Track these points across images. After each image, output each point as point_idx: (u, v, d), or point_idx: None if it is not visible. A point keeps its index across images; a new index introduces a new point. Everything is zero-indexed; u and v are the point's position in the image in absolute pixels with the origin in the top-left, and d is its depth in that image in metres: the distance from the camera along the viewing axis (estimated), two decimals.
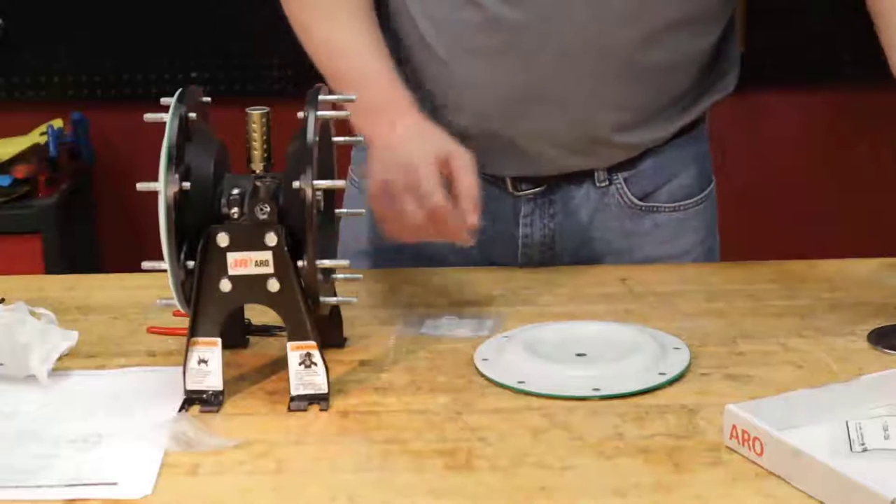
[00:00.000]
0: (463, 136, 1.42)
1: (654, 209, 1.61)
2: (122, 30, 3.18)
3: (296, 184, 1.19)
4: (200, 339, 1.22)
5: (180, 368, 1.22)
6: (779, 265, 1.59)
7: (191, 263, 1.21)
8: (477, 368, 1.29)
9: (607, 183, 1.58)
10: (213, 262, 1.21)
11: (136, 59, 3.20)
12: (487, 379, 1.26)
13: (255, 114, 1.24)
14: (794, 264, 1.59)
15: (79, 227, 3.14)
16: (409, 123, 1.41)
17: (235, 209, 1.21)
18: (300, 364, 1.21)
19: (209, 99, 1.29)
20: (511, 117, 1.51)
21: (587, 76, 1.47)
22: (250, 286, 1.21)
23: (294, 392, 1.22)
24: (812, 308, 1.44)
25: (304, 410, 1.21)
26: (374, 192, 1.39)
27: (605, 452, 1.12)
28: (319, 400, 1.21)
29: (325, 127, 1.25)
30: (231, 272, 1.21)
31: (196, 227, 1.21)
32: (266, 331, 1.37)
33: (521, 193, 1.57)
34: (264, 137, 1.24)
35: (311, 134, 1.21)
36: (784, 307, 1.44)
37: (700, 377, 1.26)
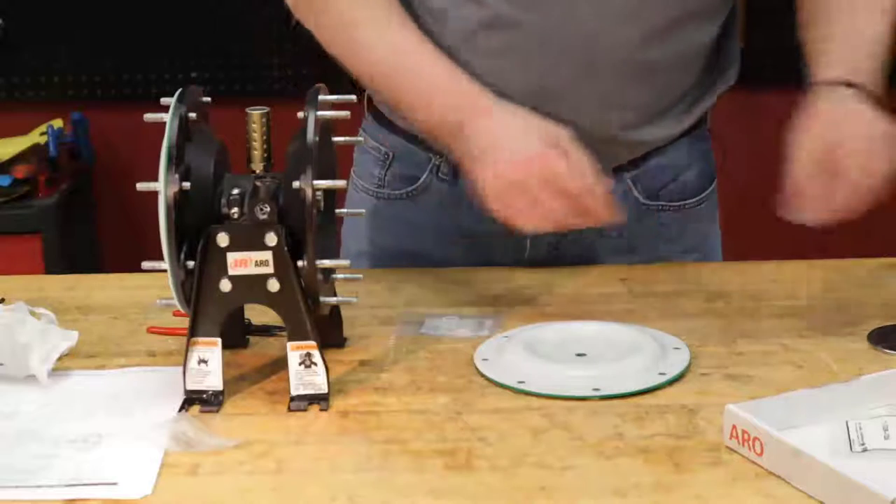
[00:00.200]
0: None
1: (660, 208, 1.61)
2: (122, 30, 3.18)
3: (296, 184, 1.19)
4: (200, 339, 1.22)
5: (180, 368, 1.22)
6: (779, 265, 1.59)
7: (191, 263, 1.21)
8: (477, 368, 1.29)
9: (613, 182, 1.57)
10: (213, 262, 1.21)
11: (136, 59, 3.20)
12: (487, 379, 1.26)
13: (255, 114, 1.24)
14: (794, 264, 1.59)
15: (79, 227, 3.14)
16: (506, 116, 1.39)
17: (235, 209, 1.21)
18: (300, 364, 1.21)
19: (209, 99, 1.29)
20: None
21: (591, 75, 1.47)
22: (250, 286, 1.21)
23: (294, 392, 1.22)
24: (812, 308, 1.44)
25: (304, 410, 1.21)
26: (494, 191, 1.35)
27: (605, 452, 1.12)
28: (319, 400, 1.21)
29: (325, 127, 1.25)
30: (231, 272, 1.21)
31: (196, 227, 1.21)
32: (266, 331, 1.37)
33: None
34: (264, 137, 1.24)
35: (311, 134, 1.21)
36: (784, 307, 1.44)
37: (700, 377, 1.26)
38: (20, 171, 2.97)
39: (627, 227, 1.59)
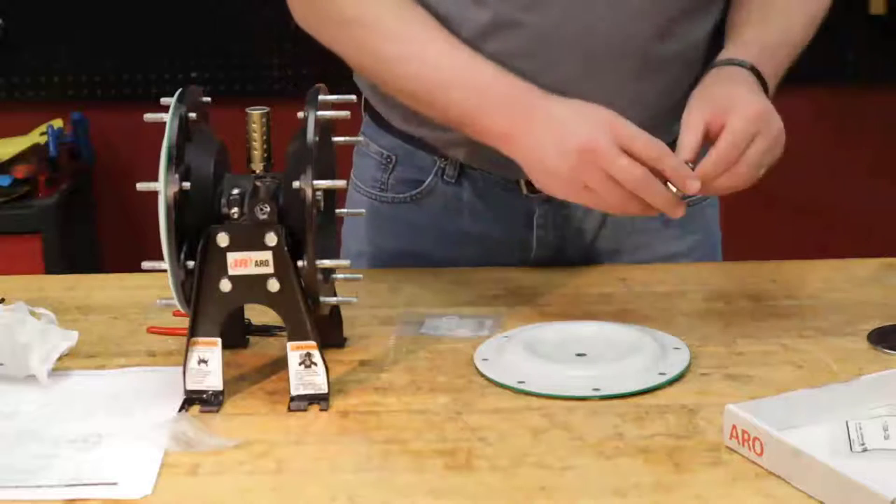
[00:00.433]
0: (473, 140, 1.41)
1: None
2: (122, 30, 3.18)
3: (296, 184, 1.19)
4: (200, 339, 1.22)
5: (180, 368, 1.22)
6: (779, 265, 1.59)
7: (191, 263, 1.21)
8: (477, 368, 1.29)
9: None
10: (213, 262, 1.21)
11: (136, 59, 3.20)
12: (487, 379, 1.26)
13: (255, 114, 1.24)
14: (794, 264, 1.59)
15: (79, 227, 3.14)
16: (558, 100, 1.36)
17: (235, 209, 1.21)
18: (300, 364, 1.21)
19: (209, 99, 1.29)
20: None
21: (604, 75, 1.46)
22: (250, 286, 1.21)
23: (294, 392, 1.22)
24: (812, 308, 1.44)
25: (304, 410, 1.21)
26: (556, 169, 1.32)
27: (605, 452, 1.12)
28: (319, 400, 1.21)
29: (325, 127, 1.25)
30: (231, 272, 1.21)
31: (196, 227, 1.21)
32: (266, 331, 1.37)
33: (534, 196, 1.56)
34: (264, 137, 1.24)
35: (311, 134, 1.21)
36: (784, 307, 1.44)
37: (700, 377, 1.26)
38: (20, 171, 2.98)
39: (632, 225, 1.59)
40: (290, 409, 1.21)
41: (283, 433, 1.17)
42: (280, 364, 1.27)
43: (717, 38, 1.55)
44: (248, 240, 1.20)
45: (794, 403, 1.14)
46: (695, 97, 1.39)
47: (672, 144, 1.58)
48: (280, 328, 1.31)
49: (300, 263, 1.21)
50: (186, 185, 1.20)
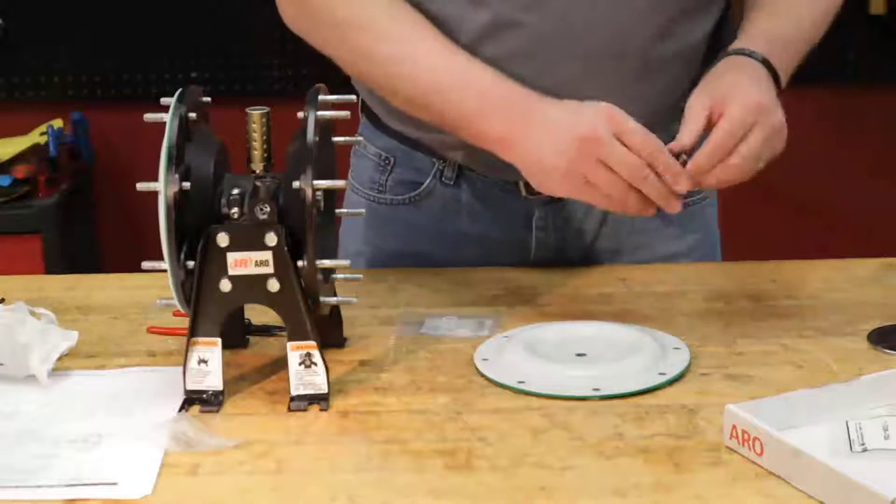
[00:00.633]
0: (471, 143, 1.41)
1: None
2: (122, 30, 3.18)
3: (296, 184, 1.19)
4: (200, 339, 1.22)
5: (180, 368, 1.22)
6: (779, 265, 1.59)
7: (191, 263, 1.21)
8: (477, 368, 1.29)
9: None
10: (213, 262, 1.21)
11: (136, 59, 3.20)
12: (487, 379, 1.26)
13: (255, 114, 1.24)
14: (794, 264, 1.59)
15: (79, 227, 3.14)
16: (554, 102, 1.36)
17: (235, 209, 1.21)
18: (300, 364, 1.21)
19: (209, 99, 1.29)
20: None
21: (604, 75, 1.46)
22: (250, 286, 1.21)
23: (294, 392, 1.22)
24: (812, 308, 1.44)
25: (304, 410, 1.21)
26: (554, 165, 1.32)
27: (605, 452, 1.12)
28: (319, 400, 1.21)
29: (325, 127, 1.25)
30: (231, 272, 1.21)
31: (196, 227, 1.21)
32: (266, 331, 1.37)
33: (534, 198, 1.56)
34: (264, 137, 1.24)
35: (311, 134, 1.21)
36: (784, 307, 1.44)
37: (700, 377, 1.26)
38: (20, 171, 2.98)
39: (632, 225, 1.59)
40: (290, 409, 1.21)
41: (283, 433, 1.17)
42: (280, 364, 1.27)
43: (717, 38, 1.55)
44: (248, 240, 1.20)
45: (794, 403, 1.14)
46: (700, 85, 1.39)
47: (666, 140, 1.58)
48: (280, 328, 1.31)
49: (300, 263, 1.21)
50: (186, 185, 1.20)
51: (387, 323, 1.41)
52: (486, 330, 1.38)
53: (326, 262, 1.23)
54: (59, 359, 1.30)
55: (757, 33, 1.46)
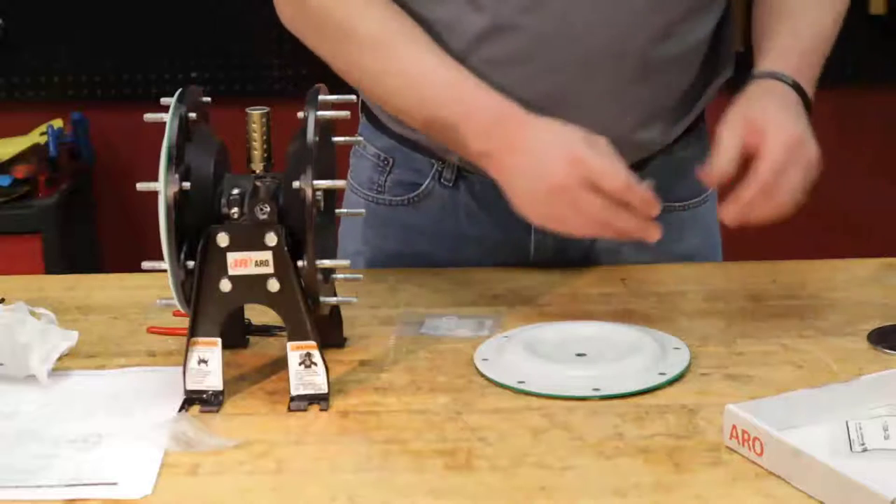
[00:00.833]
0: None
1: (664, 209, 1.60)
2: (122, 30, 3.18)
3: (296, 184, 1.19)
4: (200, 339, 1.22)
5: (180, 368, 1.22)
6: (779, 265, 1.59)
7: (191, 263, 1.21)
8: (477, 368, 1.29)
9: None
10: (213, 262, 1.21)
11: (136, 59, 3.20)
12: (487, 379, 1.26)
13: (255, 114, 1.24)
14: (794, 264, 1.59)
15: (79, 227, 3.14)
16: (536, 125, 1.37)
17: (235, 209, 1.21)
18: (300, 364, 1.21)
19: (209, 99, 1.29)
20: None
21: (603, 78, 1.46)
22: (250, 286, 1.21)
23: (294, 392, 1.22)
24: (812, 308, 1.43)
25: (304, 410, 1.21)
26: (534, 202, 1.35)
27: (605, 452, 1.12)
28: (319, 400, 1.21)
29: (325, 127, 1.25)
30: (231, 272, 1.21)
31: (196, 227, 1.21)
32: (266, 331, 1.37)
33: None
34: (264, 137, 1.24)
35: (311, 134, 1.21)
36: (784, 307, 1.44)
37: (700, 377, 1.26)
38: (20, 171, 2.98)
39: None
40: (290, 409, 1.21)
41: (283, 433, 1.17)
42: (280, 364, 1.27)
43: (718, 39, 1.55)
44: (248, 240, 1.20)
45: (794, 403, 1.14)
46: (733, 113, 1.39)
47: (671, 146, 1.59)
48: (280, 328, 1.31)
49: (300, 263, 1.21)
50: (186, 185, 1.20)
51: (387, 323, 1.41)
52: (486, 330, 1.38)
53: (326, 262, 1.23)
54: (59, 359, 1.30)
55: (783, 51, 1.46)
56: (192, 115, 1.22)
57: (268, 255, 1.20)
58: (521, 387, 1.24)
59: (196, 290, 1.21)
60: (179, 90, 1.23)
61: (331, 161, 1.28)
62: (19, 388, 1.27)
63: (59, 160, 3.05)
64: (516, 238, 1.58)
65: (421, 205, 1.59)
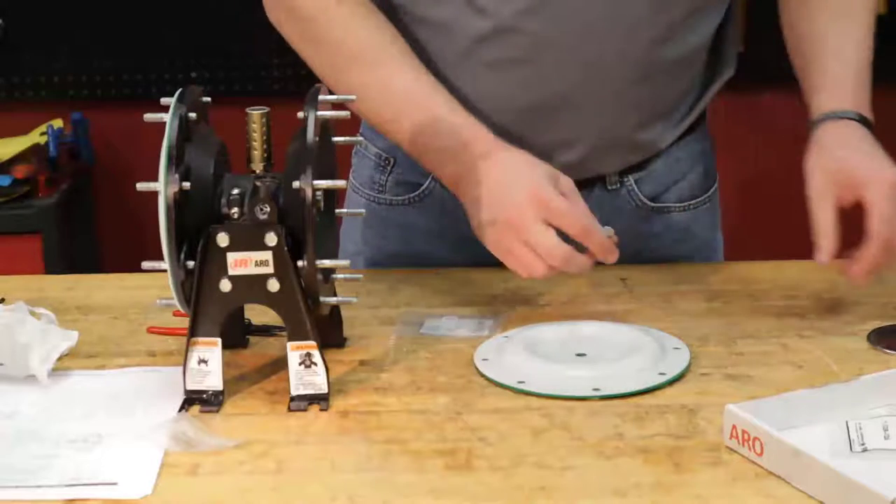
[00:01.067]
0: None
1: (665, 210, 1.61)
2: (122, 30, 3.18)
3: (296, 184, 1.20)
4: (200, 339, 1.22)
5: (180, 368, 1.22)
6: (779, 265, 1.59)
7: (191, 263, 1.21)
8: (477, 368, 1.29)
9: (618, 185, 1.57)
10: (213, 262, 1.21)
11: (136, 59, 3.20)
12: (487, 379, 1.26)
13: (255, 114, 1.24)
14: (794, 264, 1.59)
15: (79, 227, 3.14)
16: (502, 159, 1.37)
17: (235, 209, 1.21)
18: (300, 364, 1.21)
19: (209, 99, 1.29)
20: (526, 129, 1.48)
21: (604, 81, 1.45)
22: (250, 286, 1.21)
23: (294, 392, 1.22)
24: (812, 308, 1.44)
25: (304, 410, 1.21)
26: (493, 235, 1.35)
27: (605, 452, 1.12)
28: (319, 400, 1.21)
29: (325, 127, 1.25)
30: (231, 272, 1.21)
31: (196, 227, 1.21)
32: (266, 331, 1.37)
33: None
34: (264, 137, 1.24)
35: (311, 134, 1.21)
36: (784, 307, 1.44)
37: (700, 377, 1.26)
38: (20, 171, 2.97)
39: (633, 229, 1.59)
40: (290, 409, 1.21)
41: (283, 433, 1.17)
42: (280, 364, 1.27)
43: (719, 41, 1.55)
44: (248, 240, 1.20)
45: (794, 403, 1.14)
46: (816, 169, 1.39)
47: (672, 146, 1.59)
48: (280, 328, 1.31)
49: (300, 263, 1.21)
50: (186, 185, 1.20)
51: (387, 323, 1.41)
52: (486, 330, 1.38)
53: (326, 262, 1.23)
54: (59, 359, 1.30)
55: (836, 83, 1.46)
56: (192, 115, 1.22)
57: (268, 255, 1.20)
58: (521, 387, 1.24)
59: (196, 290, 1.21)
60: (179, 90, 1.23)
61: (331, 161, 1.28)
62: (19, 388, 1.27)
63: (59, 160, 3.05)
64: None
65: (422, 204, 1.59)
